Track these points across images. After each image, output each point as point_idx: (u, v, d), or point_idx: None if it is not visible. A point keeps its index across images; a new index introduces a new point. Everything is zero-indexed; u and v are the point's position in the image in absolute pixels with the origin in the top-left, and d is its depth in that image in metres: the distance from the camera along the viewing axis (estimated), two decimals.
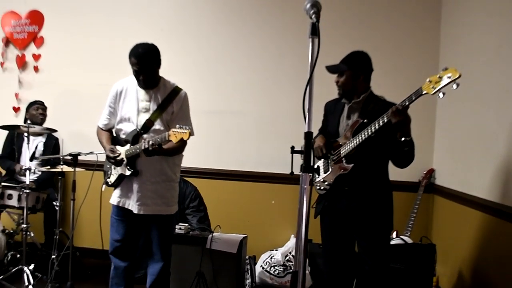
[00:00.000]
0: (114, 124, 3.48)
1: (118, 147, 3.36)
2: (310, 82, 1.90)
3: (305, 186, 1.83)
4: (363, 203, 3.12)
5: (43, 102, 5.20)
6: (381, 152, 3.10)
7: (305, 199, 1.81)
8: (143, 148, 3.07)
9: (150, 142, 3.03)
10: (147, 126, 3.28)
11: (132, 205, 3.33)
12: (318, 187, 3.33)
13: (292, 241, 4.79)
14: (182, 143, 3.19)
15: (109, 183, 3.45)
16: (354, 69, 3.13)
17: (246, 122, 5.16)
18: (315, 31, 1.93)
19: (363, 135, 2.96)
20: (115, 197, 3.41)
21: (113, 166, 3.41)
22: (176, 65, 4.65)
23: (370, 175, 3.14)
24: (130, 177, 3.32)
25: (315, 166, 3.38)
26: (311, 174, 1.83)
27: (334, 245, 3.31)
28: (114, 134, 3.53)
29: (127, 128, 3.36)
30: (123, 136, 3.39)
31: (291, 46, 5.06)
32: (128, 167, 3.29)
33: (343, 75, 3.16)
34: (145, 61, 3.20)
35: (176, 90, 3.37)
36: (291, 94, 5.00)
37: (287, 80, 5.08)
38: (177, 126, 2.95)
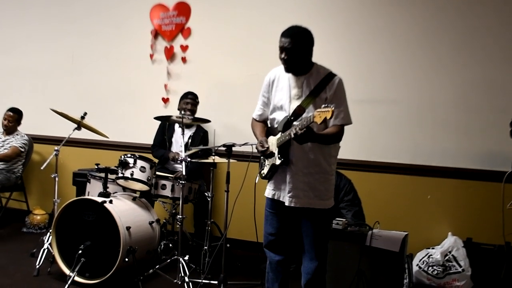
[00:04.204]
0: (268, 114, 3.35)
1: (270, 138, 3.23)
2: None
3: None
4: None
5: (195, 97, 5.18)
6: None
7: None
8: (292, 134, 2.86)
9: (298, 127, 2.84)
10: (297, 113, 3.07)
11: (284, 197, 3.16)
12: None
13: (450, 239, 4.40)
14: (339, 130, 3.06)
15: (263, 175, 3.33)
16: None
17: (401, 111, 4.80)
18: None
19: None
20: (269, 189, 3.29)
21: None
22: (325, 51, 4.46)
23: None
24: (283, 167, 3.15)
25: None
26: None
27: None
28: (269, 125, 3.39)
29: (280, 117, 3.19)
30: (276, 126, 3.23)
31: (449, 29, 4.66)
32: (279, 156, 3.12)
33: None
34: (293, 40, 2.99)
35: (330, 76, 3.11)
36: (454, 80, 4.64)
37: (448, 66, 4.66)
38: (322, 106, 2.72)
